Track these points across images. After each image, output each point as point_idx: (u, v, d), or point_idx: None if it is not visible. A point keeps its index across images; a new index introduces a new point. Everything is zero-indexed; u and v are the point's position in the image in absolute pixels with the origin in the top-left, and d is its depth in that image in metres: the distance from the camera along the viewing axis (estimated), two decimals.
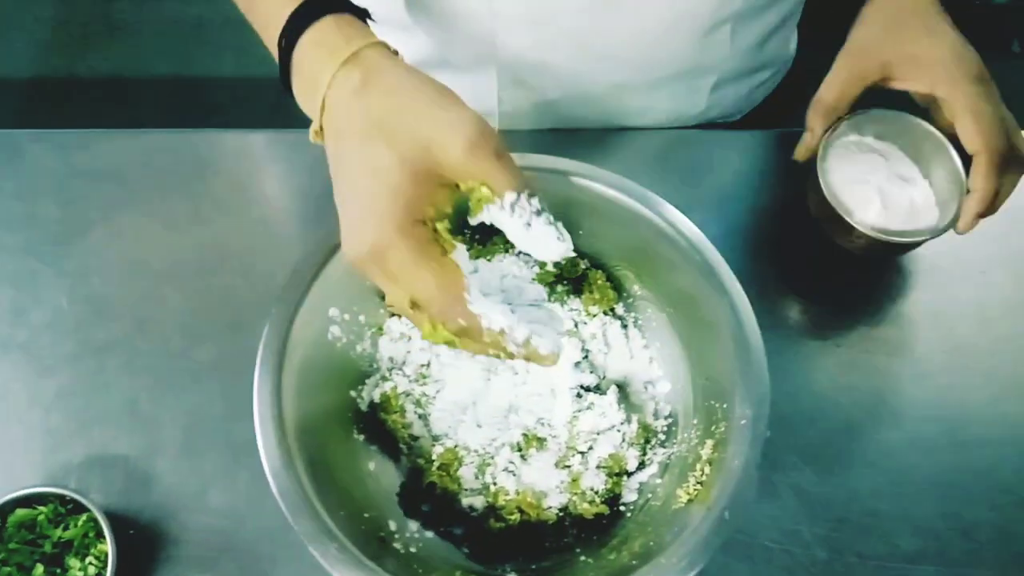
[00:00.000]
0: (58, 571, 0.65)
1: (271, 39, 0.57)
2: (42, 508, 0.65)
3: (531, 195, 0.50)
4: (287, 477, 0.58)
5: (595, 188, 0.67)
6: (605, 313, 0.72)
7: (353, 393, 0.69)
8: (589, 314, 0.72)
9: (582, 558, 0.64)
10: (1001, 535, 0.70)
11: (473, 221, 0.52)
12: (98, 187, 0.82)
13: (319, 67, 0.53)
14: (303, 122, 0.57)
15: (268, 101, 2.07)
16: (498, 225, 0.51)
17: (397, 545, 0.63)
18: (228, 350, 0.75)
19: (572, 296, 0.73)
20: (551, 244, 0.51)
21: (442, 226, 0.52)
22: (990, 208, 0.69)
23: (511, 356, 0.52)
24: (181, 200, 0.82)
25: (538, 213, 0.50)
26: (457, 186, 0.51)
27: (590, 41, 0.78)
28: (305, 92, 0.55)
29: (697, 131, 0.89)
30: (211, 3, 2.18)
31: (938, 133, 0.73)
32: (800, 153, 0.74)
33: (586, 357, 0.71)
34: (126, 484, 0.70)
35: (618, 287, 0.73)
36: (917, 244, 0.74)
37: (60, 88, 2.12)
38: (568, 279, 0.72)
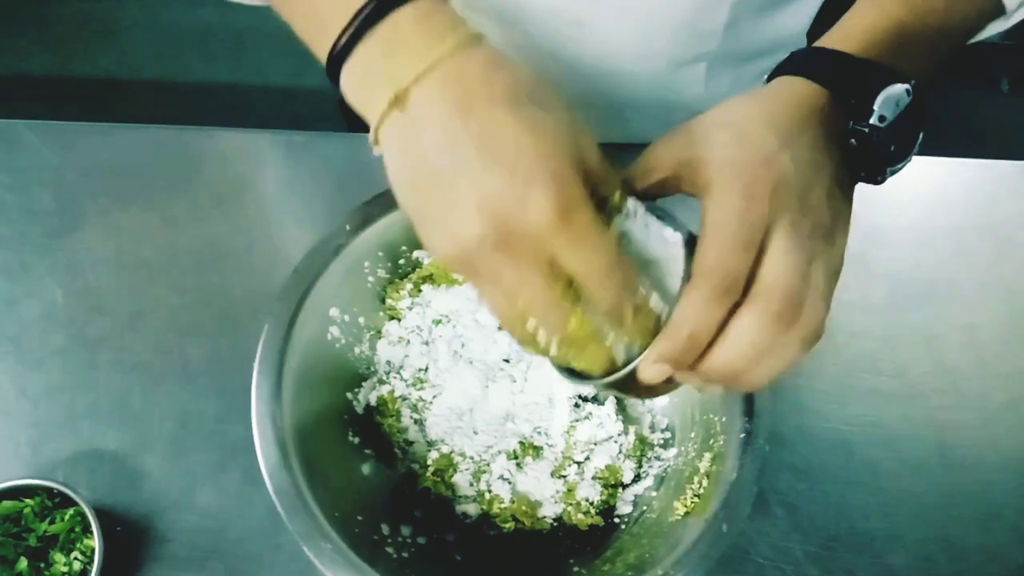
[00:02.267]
0: (42, 565, 0.64)
1: (324, 20, 0.48)
2: (29, 501, 0.64)
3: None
4: (283, 476, 0.57)
5: None
6: None
7: (349, 395, 0.68)
8: None
9: (575, 569, 0.64)
10: (990, 558, 0.70)
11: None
12: (95, 181, 0.82)
13: (424, 40, 0.45)
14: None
15: (260, 110, 2.07)
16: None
17: (390, 550, 0.63)
18: (222, 349, 0.74)
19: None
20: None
21: None
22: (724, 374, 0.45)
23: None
24: (179, 197, 0.81)
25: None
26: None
27: (555, 57, 0.77)
28: (386, 63, 0.46)
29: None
30: (209, 10, 2.18)
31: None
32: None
33: None
34: (114, 480, 0.69)
35: None
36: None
37: (54, 88, 2.11)
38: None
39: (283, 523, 0.56)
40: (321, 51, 0.48)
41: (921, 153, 0.85)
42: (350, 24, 0.46)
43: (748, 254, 0.43)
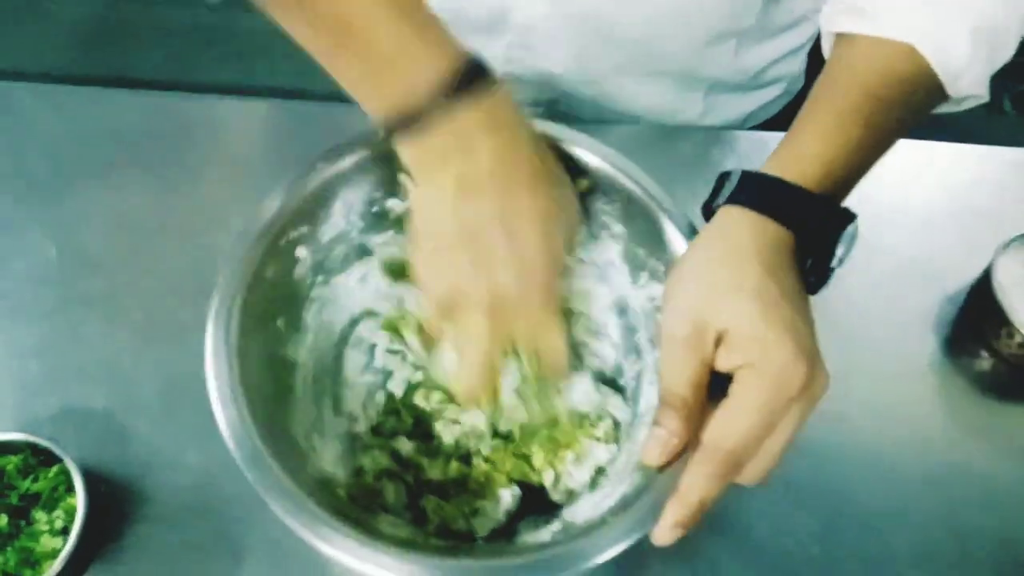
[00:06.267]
0: (23, 523, 0.62)
1: (384, 81, 0.54)
2: (12, 457, 0.63)
3: None
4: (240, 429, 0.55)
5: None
6: None
7: None
8: None
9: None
10: (996, 540, 0.68)
11: None
12: (93, 144, 0.81)
13: (480, 135, 0.54)
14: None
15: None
16: None
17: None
18: None
19: None
20: None
21: None
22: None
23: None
24: (177, 161, 0.80)
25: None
26: None
27: (599, 23, 0.79)
28: (444, 151, 0.54)
29: (699, 129, 0.89)
30: (217, 13, 2.18)
31: None
32: (655, 459, 0.51)
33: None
34: (101, 439, 0.68)
35: None
36: None
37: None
38: None
39: None
40: (370, 104, 0.55)
41: (925, 138, 0.85)
42: (418, 105, 0.53)
43: (763, 438, 0.48)
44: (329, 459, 0.62)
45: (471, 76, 0.53)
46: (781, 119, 0.99)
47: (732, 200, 0.55)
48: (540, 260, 0.55)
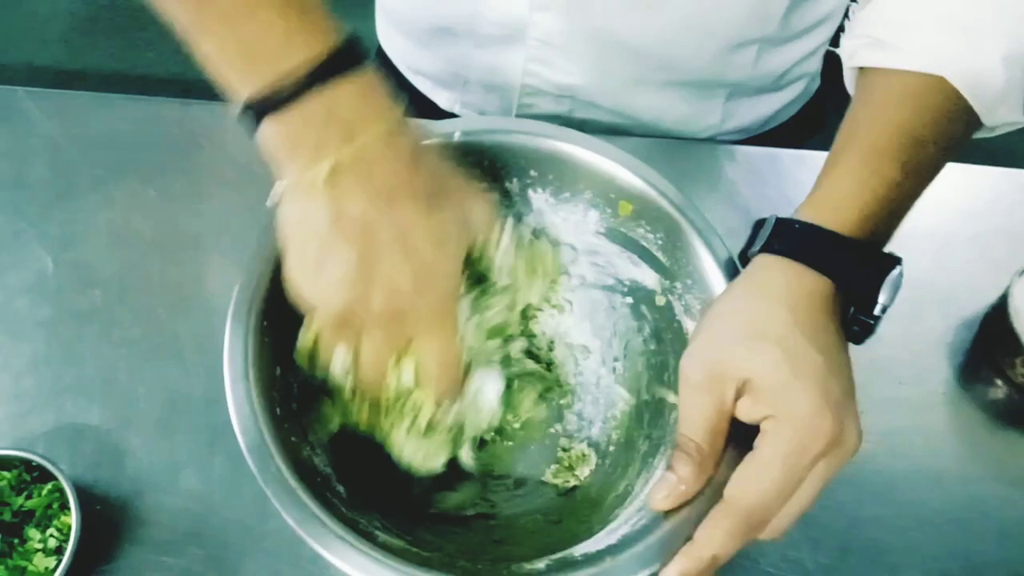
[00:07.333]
0: (16, 541, 0.61)
1: (259, 59, 0.49)
2: (5, 474, 0.61)
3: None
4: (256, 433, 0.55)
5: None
6: None
7: None
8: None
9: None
10: (1010, 574, 0.67)
11: None
12: (94, 153, 0.79)
13: (363, 118, 0.49)
14: None
15: None
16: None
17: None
18: (213, 328, 0.72)
19: None
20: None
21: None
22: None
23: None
24: (178, 172, 0.79)
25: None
26: None
27: (617, 36, 0.78)
28: (321, 131, 0.49)
29: (713, 143, 0.88)
30: None
31: None
32: (661, 502, 0.51)
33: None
34: (96, 458, 0.66)
35: None
36: None
37: (66, 82, 2.09)
38: None
39: (268, 512, 0.54)
40: (239, 82, 0.49)
41: None
42: (291, 81, 0.48)
43: (787, 496, 0.47)
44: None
45: (348, 58, 0.49)
46: (799, 120, 0.98)
47: (767, 248, 0.53)
48: (438, 264, 0.52)
